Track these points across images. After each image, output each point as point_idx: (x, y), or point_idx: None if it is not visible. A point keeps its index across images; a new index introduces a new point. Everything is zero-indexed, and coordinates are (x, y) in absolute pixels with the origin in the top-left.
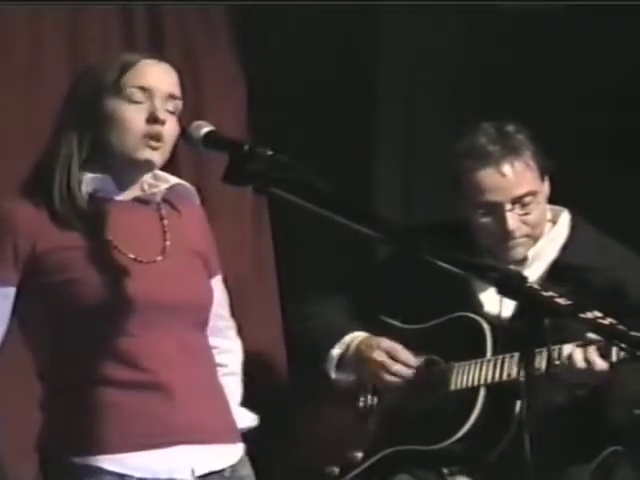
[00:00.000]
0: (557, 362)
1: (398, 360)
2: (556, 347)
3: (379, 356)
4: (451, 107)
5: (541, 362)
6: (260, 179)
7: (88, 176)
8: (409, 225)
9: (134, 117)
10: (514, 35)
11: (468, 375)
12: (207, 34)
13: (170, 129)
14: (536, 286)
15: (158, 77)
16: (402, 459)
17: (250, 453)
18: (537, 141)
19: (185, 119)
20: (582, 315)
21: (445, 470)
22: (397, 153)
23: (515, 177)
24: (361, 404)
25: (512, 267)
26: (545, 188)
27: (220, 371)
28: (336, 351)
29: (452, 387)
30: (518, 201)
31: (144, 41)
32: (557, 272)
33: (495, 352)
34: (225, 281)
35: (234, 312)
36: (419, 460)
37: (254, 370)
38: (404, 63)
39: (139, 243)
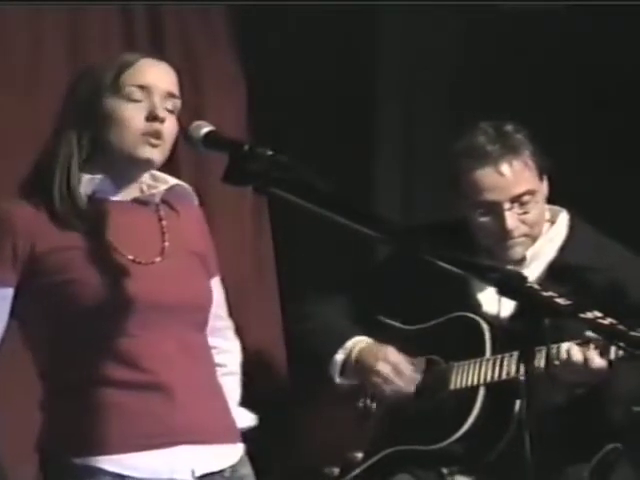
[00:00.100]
0: (556, 362)
1: (402, 376)
2: (555, 346)
3: (384, 368)
4: (451, 107)
5: (540, 361)
6: (260, 179)
7: (86, 177)
8: (409, 225)
9: (133, 115)
10: (514, 35)
11: (467, 374)
12: (207, 34)
13: (169, 127)
14: (536, 286)
15: (157, 76)
16: (402, 459)
17: (250, 453)
18: (535, 141)
19: (185, 119)
20: (582, 315)
21: (445, 470)
22: (397, 153)
23: (514, 176)
24: (361, 404)
25: (511, 267)
26: (544, 188)
27: (219, 371)
28: (339, 356)
29: (452, 387)
30: (517, 200)
31: (144, 41)
32: (555, 272)
33: (494, 352)
34: (223, 281)
35: (234, 312)
36: (419, 460)
37: (254, 370)
38: (404, 63)
39: (138, 244)
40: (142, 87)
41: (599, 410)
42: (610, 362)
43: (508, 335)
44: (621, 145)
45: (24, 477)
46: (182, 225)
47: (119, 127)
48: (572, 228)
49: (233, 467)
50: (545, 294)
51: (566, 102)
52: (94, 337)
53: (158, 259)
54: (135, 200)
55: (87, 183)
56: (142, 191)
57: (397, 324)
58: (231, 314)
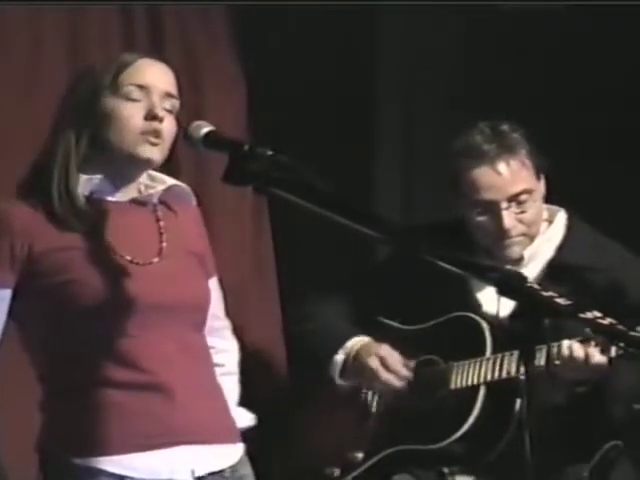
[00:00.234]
0: (557, 362)
1: (389, 369)
2: (555, 344)
3: (373, 362)
4: (451, 107)
5: (541, 359)
6: (260, 179)
7: (84, 177)
8: (409, 225)
9: (132, 114)
10: (514, 35)
11: (468, 374)
12: (207, 34)
13: (168, 127)
14: (536, 286)
15: (155, 75)
16: (402, 459)
17: (250, 453)
18: (533, 140)
19: (185, 119)
20: (582, 315)
21: (445, 470)
22: (397, 153)
23: (511, 175)
24: (361, 404)
25: (511, 267)
26: (541, 187)
27: (217, 371)
28: (340, 357)
29: (452, 386)
30: (514, 199)
31: (144, 41)
32: (553, 272)
33: (494, 351)
34: (223, 281)
35: (234, 312)
36: (419, 460)
37: (254, 370)
38: (404, 63)
39: (136, 245)
40: (141, 87)
41: (600, 408)
42: (610, 359)
43: (508, 335)
44: (621, 145)
45: (24, 477)
46: (180, 225)
47: (118, 126)
48: (570, 227)
49: (233, 467)
50: (545, 294)
51: (566, 102)
52: (93, 338)
53: (156, 259)
54: (133, 200)
55: (85, 183)
56: (140, 192)
57: (397, 324)
58: (231, 314)
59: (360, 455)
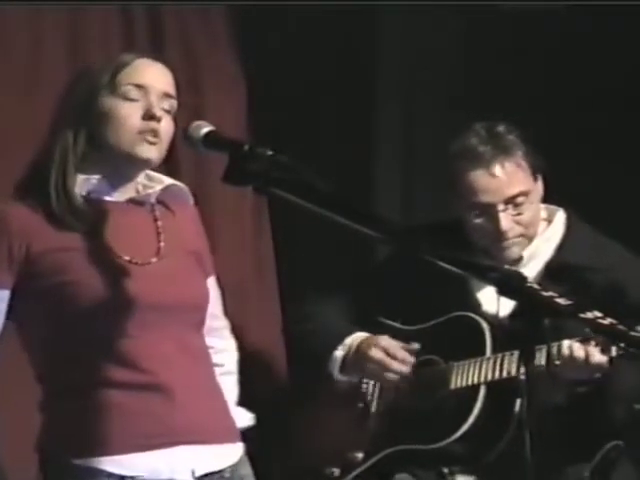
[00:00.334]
0: (557, 361)
1: (395, 358)
2: (556, 344)
3: (377, 354)
4: (451, 107)
5: (541, 359)
6: (260, 179)
7: (81, 177)
8: (409, 225)
9: (130, 114)
10: (514, 35)
11: (468, 374)
12: (207, 34)
13: (166, 127)
14: (536, 286)
15: (153, 75)
16: (402, 459)
17: (250, 453)
18: (530, 140)
19: (185, 119)
20: (582, 315)
21: (445, 469)
22: (397, 153)
23: (506, 177)
24: (361, 404)
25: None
26: (538, 187)
27: (216, 371)
28: (339, 352)
29: (452, 386)
30: (511, 201)
31: (144, 41)
32: (553, 271)
33: (494, 351)
34: (223, 281)
35: (234, 312)
36: (419, 460)
37: (254, 370)
38: (404, 63)
39: (134, 245)
40: (139, 86)
41: (600, 408)
42: (611, 359)
43: (508, 334)
44: (621, 145)
45: (24, 477)
46: (178, 225)
47: (115, 125)
48: (569, 227)
49: (233, 467)
50: (545, 294)
51: (566, 102)
52: (92, 338)
53: (154, 259)
54: (131, 200)
55: (82, 183)
56: (138, 191)
57: (397, 324)
58: (231, 314)
59: (360, 455)
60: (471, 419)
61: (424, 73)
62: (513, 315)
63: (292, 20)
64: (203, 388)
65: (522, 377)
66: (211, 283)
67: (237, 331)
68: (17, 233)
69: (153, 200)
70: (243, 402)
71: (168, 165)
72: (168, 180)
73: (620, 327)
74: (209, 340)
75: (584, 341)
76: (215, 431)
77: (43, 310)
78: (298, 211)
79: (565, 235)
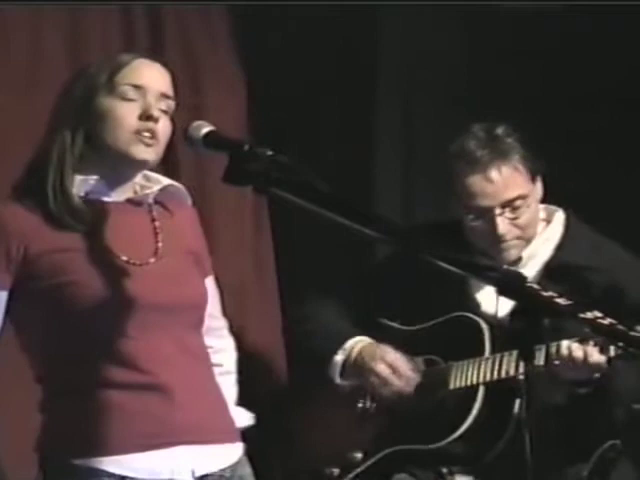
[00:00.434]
0: (556, 362)
1: (400, 377)
2: (554, 344)
3: (382, 370)
4: (451, 107)
5: (540, 359)
6: (260, 179)
7: (79, 178)
8: (408, 225)
9: (127, 114)
10: (514, 35)
11: (467, 374)
12: (207, 34)
13: (163, 128)
14: (536, 286)
15: (151, 76)
16: (402, 459)
17: (250, 453)
18: (528, 143)
19: (185, 119)
20: (582, 315)
21: (444, 470)
22: (397, 153)
23: (503, 182)
24: (360, 405)
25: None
26: (536, 189)
27: (215, 371)
28: (339, 357)
29: (451, 386)
30: (508, 205)
31: (144, 41)
32: (552, 272)
33: (493, 351)
34: (223, 281)
35: (234, 312)
36: (418, 460)
37: (254, 370)
38: (404, 63)
39: (132, 245)
40: (136, 87)
41: (599, 409)
42: (609, 359)
43: (507, 334)
44: (621, 145)
45: (24, 478)
46: (176, 225)
47: (112, 125)
48: (568, 227)
49: (233, 467)
50: (545, 294)
51: (565, 102)
52: (91, 339)
53: (152, 260)
54: (129, 201)
55: (80, 184)
56: (135, 192)
57: (397, 325)
58: (231, 314)
59: (360, 455)
60: (470, 419)
61: (424, 73)
62: (512, 315)
63: (292, 20)
64: (203, 388)
65: (521, 377)
66: (209, 283)
67: (237, 331)
68: (15, 234)
69: (151, 200)
70: (243, 402)
71: (168, 165)
72: (166, 180)
73: (620, 327)
74: (208, 340)
75: (583, 341)
76: (215, 431)
77: (42, 311)
78: (298, 211)
79: (564, 235)
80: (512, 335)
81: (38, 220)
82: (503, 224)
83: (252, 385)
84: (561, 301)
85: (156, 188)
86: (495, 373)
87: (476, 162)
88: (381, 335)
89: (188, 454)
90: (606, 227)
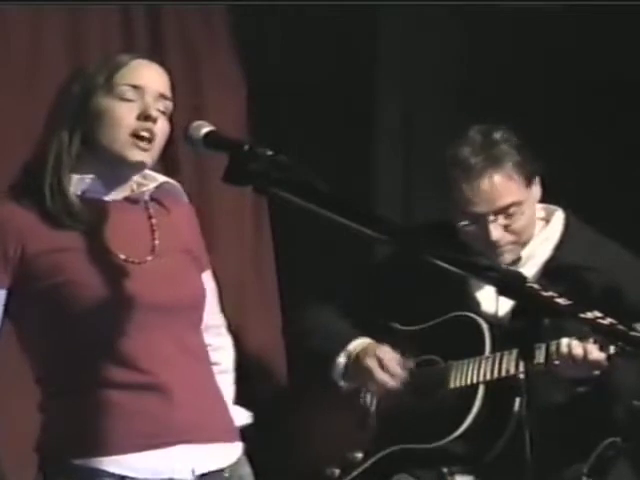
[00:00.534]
0: (556, 360)
1: (385, 369)
2: (554, 342)
3: (370, 363)
4: (451, 107)
5: (540, 357)
6: (260, 179)
7: (76, 177)
8: (408, 225)
9: (125, 114)
10: (514, 35)
11: (467, 373)
12: (207, 34)
13: (161, 128)
14: (536, 286)
15: (150, 76)
16: (402, 458)
17: (249, 453)
18: (526, 145)
19: (185, 119)
20: (582, 315)
21: (444, 469)
22: (397, 153)
23: (496, 190)
24: (361, 404)
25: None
26: (533, 194)
27: (213, 369)
28: (342, 360)
29: (451, 385)
30: (501, 212)
31: (144, 41)
32: (551, 271)
33: (493, 350)
34: (223, 281)
35: (234, 312)
36: (419, 459)
37: (254, 370)
38: (404, 63)
39: (129, 243)
40: (135, 87)
41: (600, 406)
42: (609, 356)
43: (507, 334)
44: (621, 144)
45: (24, 478)
46: (172, 222)
47: (110, 125)
48: (567, 227)
49: (233, 467)
50: (545, 294)
51: (565, 102)
52: (90, 338)
53: (149, 258)
54: (125, 199)
55: (77, 183)
56: (132, 190)
57: (397, 325)
58: (231, 314)
59: (360, 455)
60: (470, 418)
61: (424, 73)
62: (512, 314)
63: (292, 20)
64: (202, 387)
65: (521, 376)
66: (206, 278)
67: (237, 331)
68: (12, 233)
69: (147, 198)
70: (243, 402)
71: (168, 165)
72: (162, 178)
73: (619, 327)
74: (206, 337)
75: (582, 338)
76: (214, 430)
77: (40, 311)
78: (298, 211)
79: (563, 235)
80: (512, 334)
81: (35, 219)
82: (496, 230)
83: (252, 385)
84: (561, 301)
85: (152, 185)
86: (495, 372)
87: (469, 169)
88: (381, 335)
89: (188, 453)
90: (606, 227)
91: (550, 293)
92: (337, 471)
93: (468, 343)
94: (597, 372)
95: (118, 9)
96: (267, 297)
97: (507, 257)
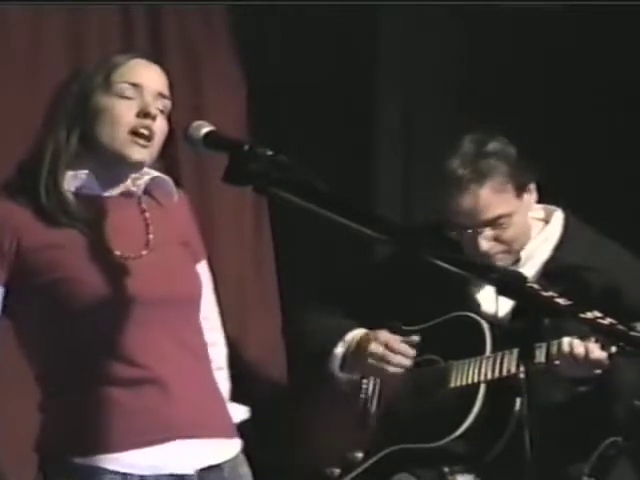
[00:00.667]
0: (557, 359)
1: (396, 351)
2: (555, 342)
3: (377, 349)
4: (451, 107)
5: (541, 357)
6: (260, 179)
7: (70, 174)
8: (408, 225)
9: (125, 112)
10: (514, 35)
11: (468, 373)
12: (207, 34)
13: (160, 126)
14: (536, 286)
15: (148, 75)
16: (402, 458)
17: (249, 453)
18: (521, 155)
19: (185, 119)
20: (582, 315)
21: (445, 469)
22: (397, 153)
23: (482, 203)
24: (361, 404)
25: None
26: (525, 203)
27: None
28: (339, 350)
29: (452, 385)
30: (488, 224)
31: (144, 41)
32: (550, 271)
33: (494, 350)
34: (216, 280)
35: (234, 312)
36: (419, 459)
37: (254, 370)
38: (404, 63)
39: (124, 239)
40: (134, 85)
41: (601, 405)
42: (610, 355)
43: (508, 333)
44: (621, 145)
45: (24, 478)
46: (166, 215)
47: (109, 123)
48: (567, 227)
49: (231, 466)
50: (545, 294)
51: (565, 102)
52: (87, 335)
53: (144, 252)
54: (120, 194)
55: (70, 179)
56: (127, 185)
57: (397, 325)
58: (231, 314)
59: (360, 455)
60: (471, 418)
61: (424, 73)
62: (512, 314)
63: (292, 20)
64: (199, 382)
65: (522, 375)
66: (202, 268)
67: (237, 331)
68: (7, 229)
69: (140, 192)
70: (242, 401)
71: (168, 165)
72: (154, 172)
73: (619, 327)
74: None
75: (584, 338)
76: (212, 425)
77: (37, 308)
78: (298, 211)
79: (563, 235)
80: (512, 334)
81: (31, 216)
82: (484, 242)
83: (251, 385)
84: (561, 301)
85: (146, 178)
86: (496, 371)
87: (456, 182)
88: None
89: (187, 449)
90: (606, 227)
91: (550, 293)
92: (337, 471)
93: (469, 343)
94: (598, 371)
95: (118, 9)
96: (267, 297)
97: (499, 264)
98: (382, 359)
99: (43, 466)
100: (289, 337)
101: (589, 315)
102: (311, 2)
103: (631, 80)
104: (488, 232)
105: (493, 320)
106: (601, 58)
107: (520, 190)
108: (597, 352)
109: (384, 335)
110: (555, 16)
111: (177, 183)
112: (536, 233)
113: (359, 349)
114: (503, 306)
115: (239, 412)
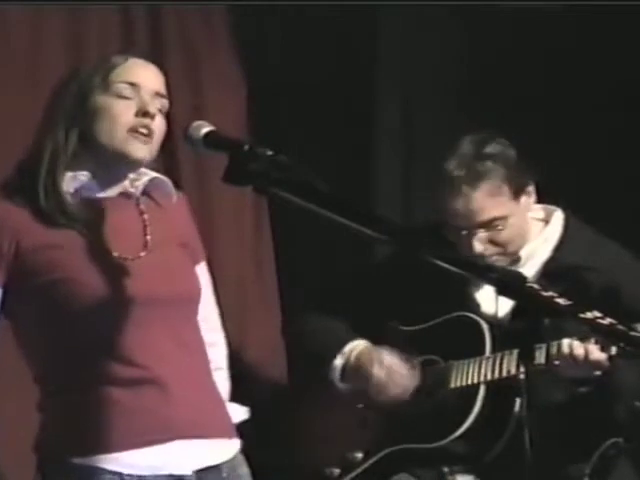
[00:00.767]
0: (557, 360)
1: (398, 380)
2: (555, 343)
3: (380, 373)
4: (451, 107)
5: (541, 358)
6: (260, 179)
7: (69, 175)
8: (408, 225)
9: (123, 111)
10: (514, 35)
11: (468, 373)
12: (207, 34)
13: (159, 125)
14: (536, 286)
15: (146, 75)
16: (402, 458)
17: (248, 453)
18: (519, 156)
19: (185, 119)
20: (582, 315)
21: (445, 469)
22: (397, 153)
23: (477, 206)
24: (361, 404)
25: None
26: (522, 205)
27: None
28: (338, 362)
29: (452, 385)
30: (483, 226)
31: (144, 41)
32: (550, 272)
33: (494, 350)
34: (216, 280)
35: (234, 312)
36: (419, 459)
37: (254, 370)
38: (404, 63)
39: (123, 240)
40: (132, 84)
41: (601, 406)
42: (610, 356)
43: (508, 334)
44: (621, 145)
45: (23, 477)
46: (165, 216)
47: (108, 123)
48: (567, 227)
49: (231, 466)
50: (545, 294)
51: (565, 102)
52: (86, 335)
53: (142, 253)
54: (119, 195)
55: (70, 180)
56: (125, 186)
57: (397, 325)
58: (231, 314)
59: (360, 455)
60: (471, 418)
61: (424, 73)
62: (512, 315)
63: (292, 20)
64: (198, 382)
65: (522, 376)
66: (202, 270)
67: (237, 331)
68: (6, 230)
69: (139, 193)
70: (242, 401)
71: (168, 165)
72: (152, 173)
73: (619, 327)
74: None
75: (584, 339)
76: (211, 425)
77: (36, 308)
78: (298, 211)
79: (563, 235)
80: (512, 334)
81: (29, 217)
82: (479, 244)
83: (251, 385)
84: (561, 301)
85: (145, 179)
86: (496, 372)
87: (452, 183)
88: (381, 335)
89: (186, 449)
90: (606, 227)
91: (550, 293)
92: (337, 471)
93: (468, 343)
94: (598, 372)
95: (118, 9)
96: (267, 297)
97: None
98: (383, 388)
99: (42, 466)
100: (289, 337)
101: (589, 315)
102: (311, 2)
103: (631, 80)
104: (482, 234)
105: (493, 320)
106: (601, 58)
107: (517, 192)
108: (597, 353)
109: (387, 359)
110: (555, 16)
111: (176, 184)
112: (536, 233)
113: (359, 365)
114: (503, 306)
115: (239, 412)
